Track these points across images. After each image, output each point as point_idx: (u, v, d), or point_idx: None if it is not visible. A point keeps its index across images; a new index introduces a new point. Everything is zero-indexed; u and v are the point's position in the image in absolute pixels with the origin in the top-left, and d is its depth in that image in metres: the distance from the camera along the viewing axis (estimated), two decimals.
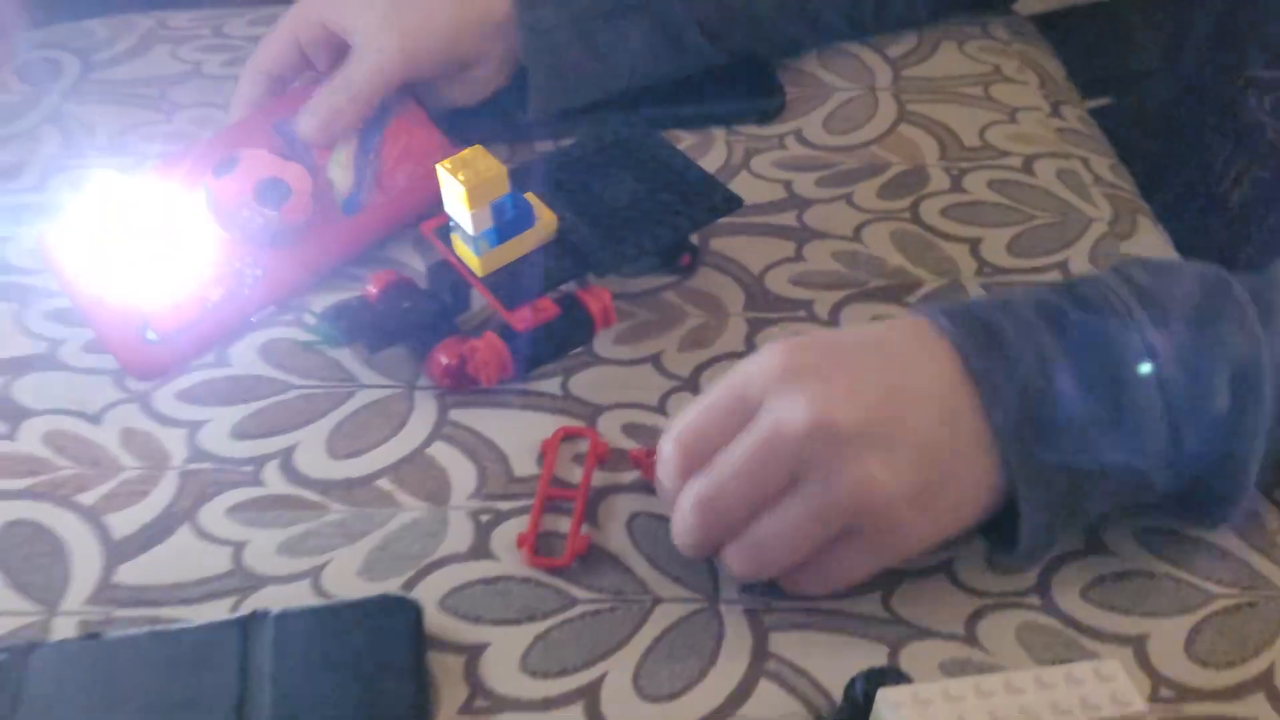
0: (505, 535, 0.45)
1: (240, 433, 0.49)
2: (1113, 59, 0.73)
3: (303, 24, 0.57)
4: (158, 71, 0.70)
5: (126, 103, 0.67)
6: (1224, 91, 0.67)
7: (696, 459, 0.39)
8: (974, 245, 0.57)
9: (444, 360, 0.49)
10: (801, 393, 0.37)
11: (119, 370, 0.51)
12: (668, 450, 0.40)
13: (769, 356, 0.39)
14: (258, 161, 0.55)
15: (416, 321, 0.51)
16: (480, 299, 0.53)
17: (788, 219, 0.58)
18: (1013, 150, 0.62)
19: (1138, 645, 0.41)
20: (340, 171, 0.56)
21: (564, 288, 0.51)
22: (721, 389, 0.40)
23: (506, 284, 0.50)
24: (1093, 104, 0.70)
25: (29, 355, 0.52)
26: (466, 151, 0.47)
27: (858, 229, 0.58)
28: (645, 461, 0.46)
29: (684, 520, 0.40)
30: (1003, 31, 0.71)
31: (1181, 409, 0.38)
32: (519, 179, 0.50)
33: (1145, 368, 0.38)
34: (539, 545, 0.44)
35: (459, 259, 0.50)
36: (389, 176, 0.57)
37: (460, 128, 0.60)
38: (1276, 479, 0.44)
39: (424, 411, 0.50)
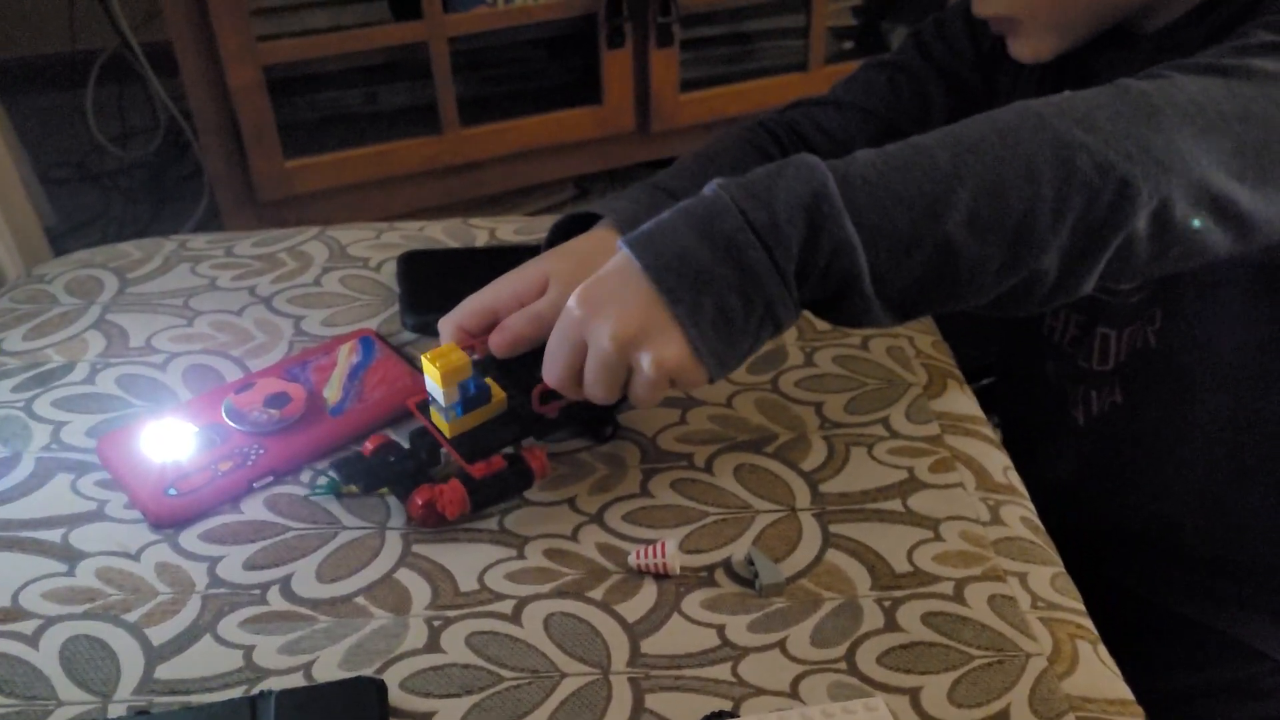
0: (452, 635, 0.59)
1: (250, 564, 0.64)
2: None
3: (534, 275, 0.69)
4: (181, 285, 0.87)
5: (156, 311, 0.84)
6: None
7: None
8: (818, 407, 0.74)
9: (420, 500, 0.65)
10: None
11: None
12: None
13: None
14: (269, 383, 0.74)
15: (400, 471, 0.67)
16: (448, 456, 0.69)
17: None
18: (852, 331, 0.80)
19: (913, 695, 0.55)
20: (332, 390, 0.74)
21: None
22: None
23: (468, 444, 0.65)
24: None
25: (83, 512, 0.67)
26: (444, 347, 0.64)
27: (730, 398, 0.75)
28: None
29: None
30: None
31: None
32: (480, 367, 0.66)
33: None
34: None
35: (433, 425, 0.66)
36: (368, 394, 0.74)
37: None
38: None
39: (392, 546, 0.65)
